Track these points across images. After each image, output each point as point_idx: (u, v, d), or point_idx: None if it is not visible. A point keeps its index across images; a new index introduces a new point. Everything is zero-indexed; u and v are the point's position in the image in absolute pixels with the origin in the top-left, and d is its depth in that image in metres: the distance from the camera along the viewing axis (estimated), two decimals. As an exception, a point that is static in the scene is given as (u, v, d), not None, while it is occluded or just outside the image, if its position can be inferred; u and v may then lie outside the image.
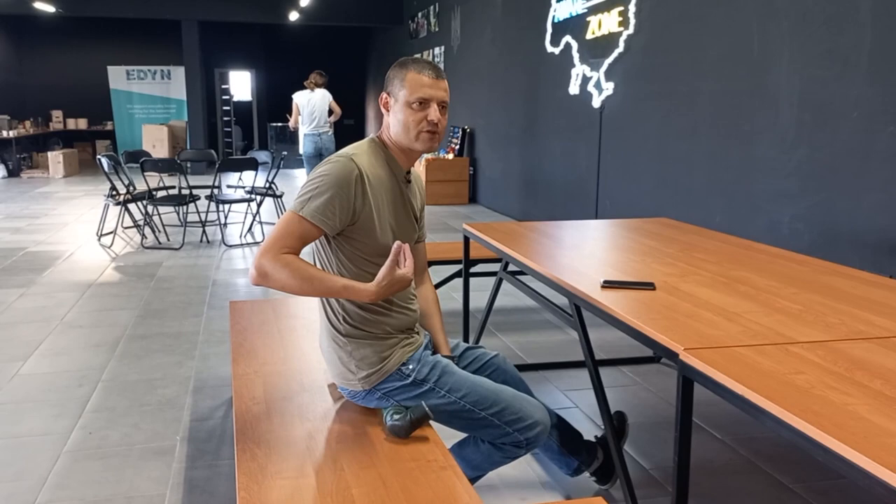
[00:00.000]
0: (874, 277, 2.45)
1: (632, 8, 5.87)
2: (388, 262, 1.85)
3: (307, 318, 3.04)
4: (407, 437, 1.94)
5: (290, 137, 19.30)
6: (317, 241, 2.05)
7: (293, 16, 13.63)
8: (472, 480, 2.22)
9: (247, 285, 5.51)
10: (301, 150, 9.07)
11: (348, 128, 19.52)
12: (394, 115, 2.01)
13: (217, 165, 6.97)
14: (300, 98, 8.65)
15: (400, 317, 2.10)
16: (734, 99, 4.81)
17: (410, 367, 2.06)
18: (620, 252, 2.87)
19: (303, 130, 8.71)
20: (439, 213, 9.34)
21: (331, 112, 8.65)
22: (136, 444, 2.90)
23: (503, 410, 2.04)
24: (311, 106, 8.57)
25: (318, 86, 8.60)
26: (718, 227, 4.90)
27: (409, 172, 2.12)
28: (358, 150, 2.00)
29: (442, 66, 11.77)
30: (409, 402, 2.04)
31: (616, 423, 2.47)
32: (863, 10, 3.82)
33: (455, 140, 10.57)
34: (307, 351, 2.63)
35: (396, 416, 1.96)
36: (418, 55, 12.62)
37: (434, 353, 2.20)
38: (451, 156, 10.38)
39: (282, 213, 8.04)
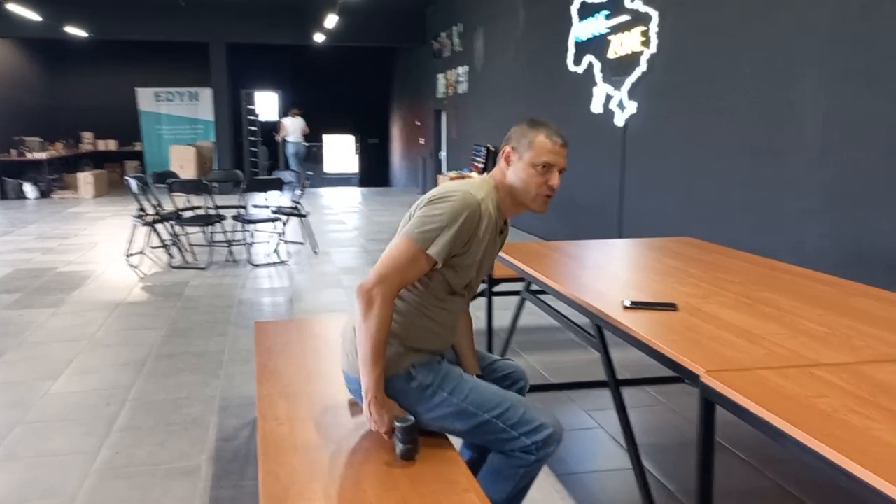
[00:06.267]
0: (901, 298, 2.42)
1: (653, 28, 5.88)
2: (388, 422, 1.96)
3: (331, 338, 3.06)
4: (414, 456, 1.95)
5: (314, 157, 19.51)
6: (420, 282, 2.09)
7: (318, 37, 13.81)
8: None
9: (272, 304, 5.56)
10: (286, 151, 15.39)
11: (373, 146, 19.69)
12: (514, 172, 2.05)
13: (243, 186, 7.06)
14: (287, 121, 15.24)
15: (439, 340, 2.12)
16: (759, 116, 4.79)
17: (418, 370, 2.07)
18: (643, 272, 2.87)
19: (289, 140, 15.18)
20: (463, 232, 9.36)
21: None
22: (162, 463, 2.93)
23: (507, 411, 2.01)
24: (294, 126, 15.11)
25: (297, 115, 15.17)
26: (743, 245, 4.86)
27: (506, 221, 2.17)
28: (483, 193, 2.02)
29: (465, 85, 11.84)
30: (412, 406, 2.05)
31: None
32: (892, 28, 3.80)
33: (479, 159, 10.61)
34: (330, 372, 2.65)
35: (399, 444, 1.96)
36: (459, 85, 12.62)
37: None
38: (475, 174, 10.41)
39: (309, 232, 8.14)
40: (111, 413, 3.44)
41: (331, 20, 12.15)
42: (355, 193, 15.79)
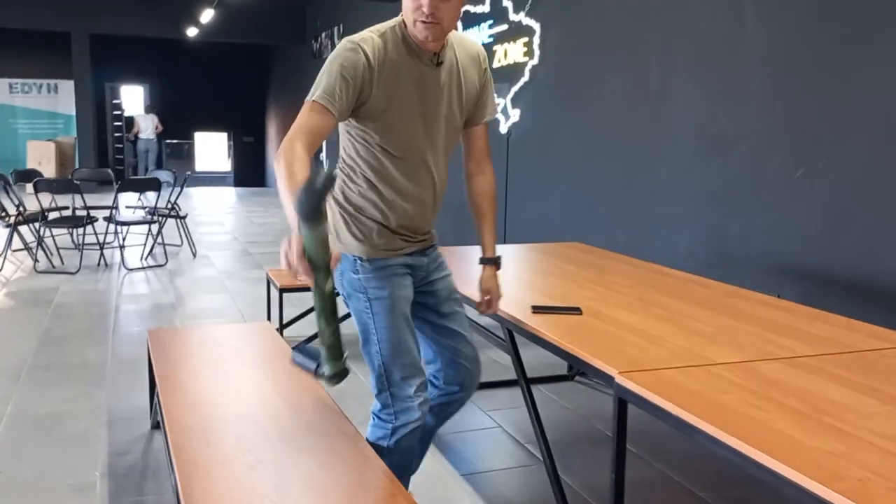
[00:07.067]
0: (770, 300, 2.67)
1: (536, 40, 6.11)
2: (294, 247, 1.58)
3: (234, 346, 3.01)
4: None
5: (185, 155, 18.80)
6: (346, 139, 2.05)
7: (191, 31, 13.32)
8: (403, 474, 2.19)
9: (153, 310, 5.34)
10: (138, 148, 15.74)
11: (248, 145, 19.19)
12: (402, 5, 1.95)
13: (117, 185, 6.73)
14: (139, 118, 15.61)
15: (394, 212, 2.06)
16: (635, 128, 5.10)
17: (363, 268, 2.05)
18: (542, 276, 3.00)
19: (141, 136, 15.48)
20: (346, 234, 9.32)
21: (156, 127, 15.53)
22: (51, 480, 2.78)
23: (393, 366, 2.06)
24: (146, 123, 15.41)
25: (149, 111, 15.72)
26: (622, 248, 5.16)
27: (438, 55, 2.01)
28: (368, 35, 1.95)
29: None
30: (343, 288, 2.07)
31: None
32: (752, 50, 4.15)
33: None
34: (239, 379, 2.61)
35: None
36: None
37: (414, 276, 2.15)
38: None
39: (186, 234, 7.86)
40: (-14, 430, 3.22)
41: (206, 14, 11.75)
42: (230, 193, 15.35)
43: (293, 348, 1.78)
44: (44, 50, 15.59)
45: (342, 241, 2.09)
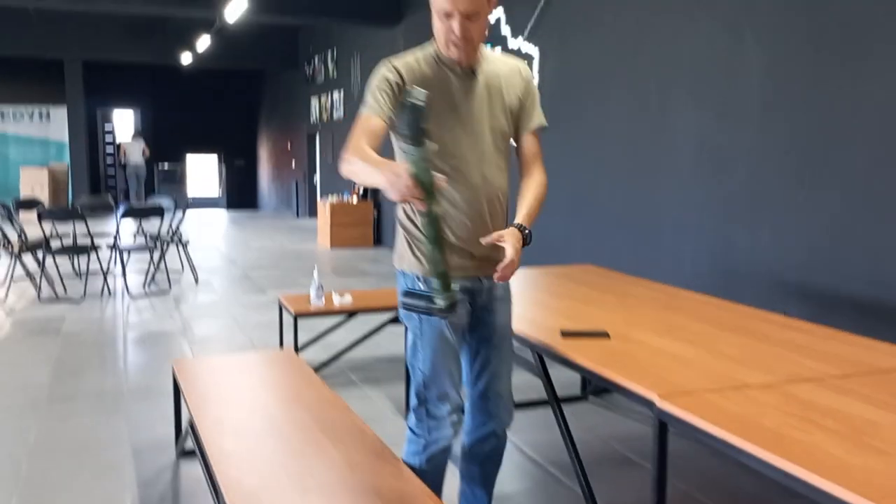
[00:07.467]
0: (787, 320, 2.76)
1: (535, 65, 6.23)
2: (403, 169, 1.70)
3: (261, 374, 3.05)
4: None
5: (178, 179, 18.80)
6: (399, 157, 2.18)
7: (186, 58, 13.39)
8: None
9: (163, 338, 5.37)
10: (126, 173, 16.22)
11: (239, 168, 19.23)
12: (433, 25, 2.10)
13: (122, 212, 6.77)
14: (126, 143, 16.06)
15: (449, 224, 2.11)
16: (637, 148, 5.21)
17: (421, 284, 2.13)
18: (562, 300, 3.07)
19: (129, 162, 15.89)
20: (347, 257, 9.38)
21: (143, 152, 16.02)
22: (84, 512, 2.80)
23: (429, 383, 2.16)
24: (133, 148, 15.78)
25: (137, 136, 16.16)
26: (626, 266, 5.25)
27: (472, 67, 2.13)
28: (403, 55, 2.15)
29: (341, 111, 11.88)
30: (401, 311, 2.10)
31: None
32: (752, 70, 4.27)
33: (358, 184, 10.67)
34: (272, 406, 2.65)
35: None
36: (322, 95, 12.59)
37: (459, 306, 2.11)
38: (355, 199, 10.47)
39: (188, 261, 7.89)
40: (13, 462, 3.23)
41: (203, 42, 11.84)
42: (223, 216, 15.38)
43: (403, 294, 1.89)
44: (35, 77, 15.63)
45: (405, 260, 2.20)
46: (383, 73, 2.11)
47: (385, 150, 2.01)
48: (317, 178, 13.96)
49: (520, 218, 2.14)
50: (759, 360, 2.21)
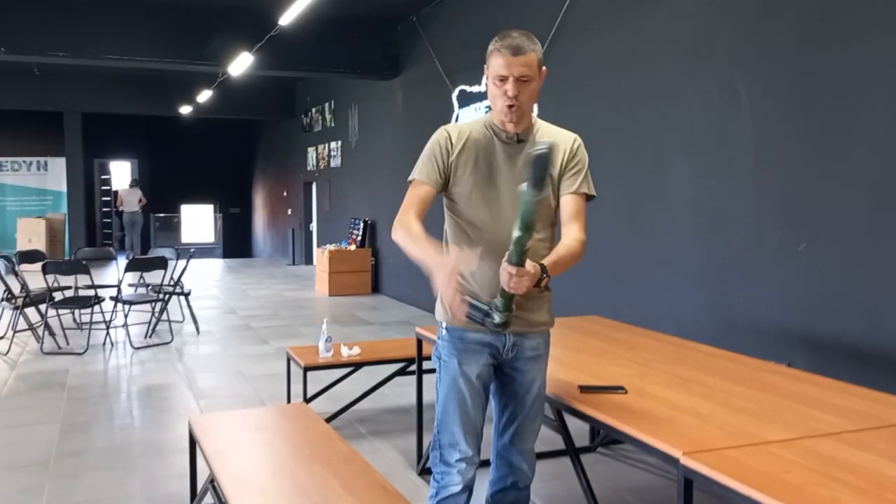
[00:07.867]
0: (797, 373, 2.82)
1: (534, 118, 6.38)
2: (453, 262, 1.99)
3: (279, 430, 3.08)
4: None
5: (173, 227, 18.87)
6: (447, 215, 2.34)
7: (185, 109, 13.58)
8: None
9: (171, 391, 5.37)
10: (123, 221, 16.17)
11: (235, 216, 19.33)
12: (488, 91, 2.25)
13: (126, 264, 6.82)
14: (123, 192, 15.84)
15: (473, 280, 2.22)
16: (634, 204, 5.32)
17: (444, 332, 2.30)
18: (575, 353, 3.13)
19: (125, 210, 15.71)
20: (346, 305, 9.41)
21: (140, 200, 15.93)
22: (102, 573, 2.80)
23: (441, 428, 2.29)
24: (129, 197, 15.62)
25: (134, 185, 16.00)
26: (626, 319, 5.31)
27: (518, 135, 2.26)
28: (464, 122, 2.32)
29: (339, 160, 12.04)
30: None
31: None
32: (746, 129, 4.41)
33: (356, 231, 10.77)
34: (292, 463, 2.68)
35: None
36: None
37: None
38: (353, 247, 10.55)
39: (190, 312, 7.92)
40: (27, 522, 3.23)
41: (204, 95, 12.03)
42: (219, 265, 15.40)
43: (468, 303, 2.04)
44: (33, 128, 15.78)
45: (438, 309, 2.33)
46: (436, 137, 2.29)
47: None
48: (313, 225, 14.06)
49: (545, 260, 2.15)
50: (775, 415, 2.26)
